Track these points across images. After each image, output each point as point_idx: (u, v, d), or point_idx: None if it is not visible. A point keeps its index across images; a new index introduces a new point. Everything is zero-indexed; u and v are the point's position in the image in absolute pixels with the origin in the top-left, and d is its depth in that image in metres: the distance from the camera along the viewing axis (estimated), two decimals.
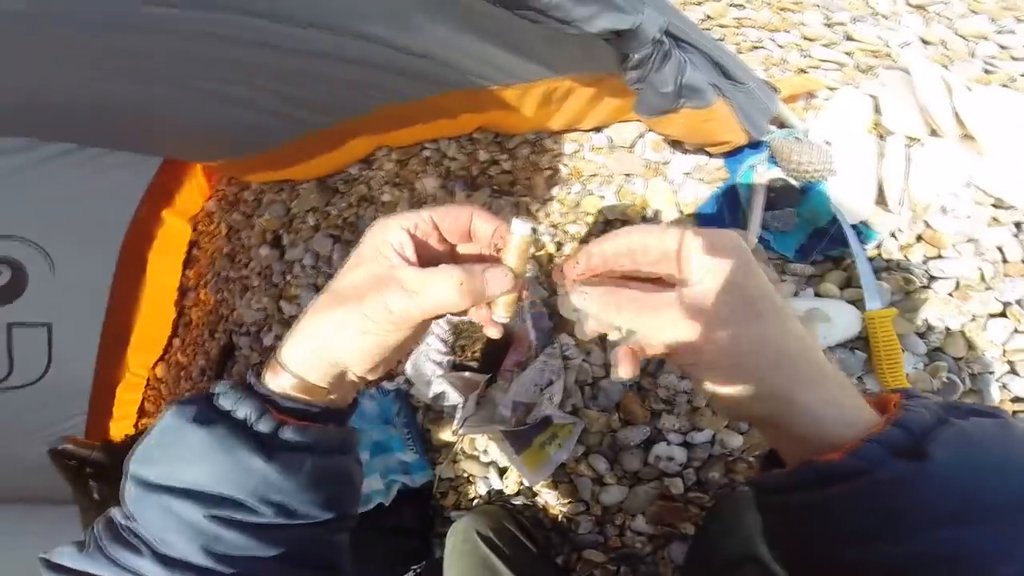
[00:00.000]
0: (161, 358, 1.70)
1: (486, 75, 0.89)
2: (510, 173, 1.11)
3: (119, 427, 1.66)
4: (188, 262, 1.70)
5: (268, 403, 0.35)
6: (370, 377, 0.38)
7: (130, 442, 1.39)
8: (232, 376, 1.49)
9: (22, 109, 1.06)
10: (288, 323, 1.36)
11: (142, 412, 1.72)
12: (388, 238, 0.35)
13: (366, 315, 0.34)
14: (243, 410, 0.34)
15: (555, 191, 1.06)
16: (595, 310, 0.35)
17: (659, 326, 0.33)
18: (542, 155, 1.08)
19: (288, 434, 0.35)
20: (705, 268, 0.32)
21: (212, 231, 1.64)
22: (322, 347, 0.35)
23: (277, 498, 0.34)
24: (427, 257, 0.37)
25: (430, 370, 1.04)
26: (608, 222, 1.01)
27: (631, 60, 0.66)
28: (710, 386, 0.33)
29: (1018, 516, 0.25)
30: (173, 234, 1.63)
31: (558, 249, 1.05)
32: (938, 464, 0.25)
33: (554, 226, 1.06)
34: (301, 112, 1.05)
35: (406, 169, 1.22)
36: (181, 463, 0.33)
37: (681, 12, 0.67)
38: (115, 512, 0.35)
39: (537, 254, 1.06)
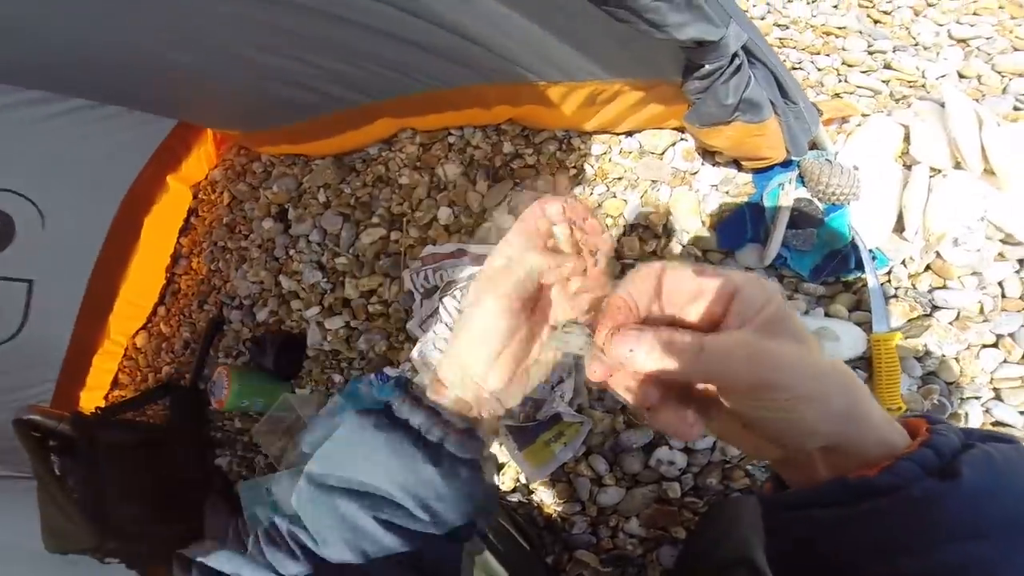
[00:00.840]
0: (143, 327, 1.65)
1: (538, 70, 0.89)
2: (533, 168, 1.12)
3: (90, 397, 1.60)
4: (184, 230, 1.65)
5: (435, 414, 0.39)
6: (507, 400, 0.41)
7: (100, 416, 1.33)
8: (219, 350, 1.45)
9: (47, 64, 1.03)
10: (285, 298, 1.34)
11: (116, 384, 1.66)
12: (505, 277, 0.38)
13: (475, 323, 0.38)
14: (417, 419, 0.38)
15: (578, 190, 1.07)
16: (652, 362, 0.31)
17: (736, 371, 0.30)
18: (569, 153, 1.08)
19: (452, 445, 0.38)
20: (761, 304, 0.31)
21: (214, 200, 1.60)
22: (459, 369, 0.39)
23: (435, 505, 0.37)
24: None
25: (436, 358, 1.02)
26: (630, 226, 1.02)
27: (702, 70, 0.67)
28: (787, 424, 0.31)
29: None
30: (173, 200, 1.59)
31: None
32: (967, 484, 0.27)
33: None
34: (339, 89, 1.04)
35: (428, 153, 1.21)
36: (360, 464, 0.37)
37: (755, 27, 0.68)
38: (278, 519, 0.40)
39: None
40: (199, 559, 0.37)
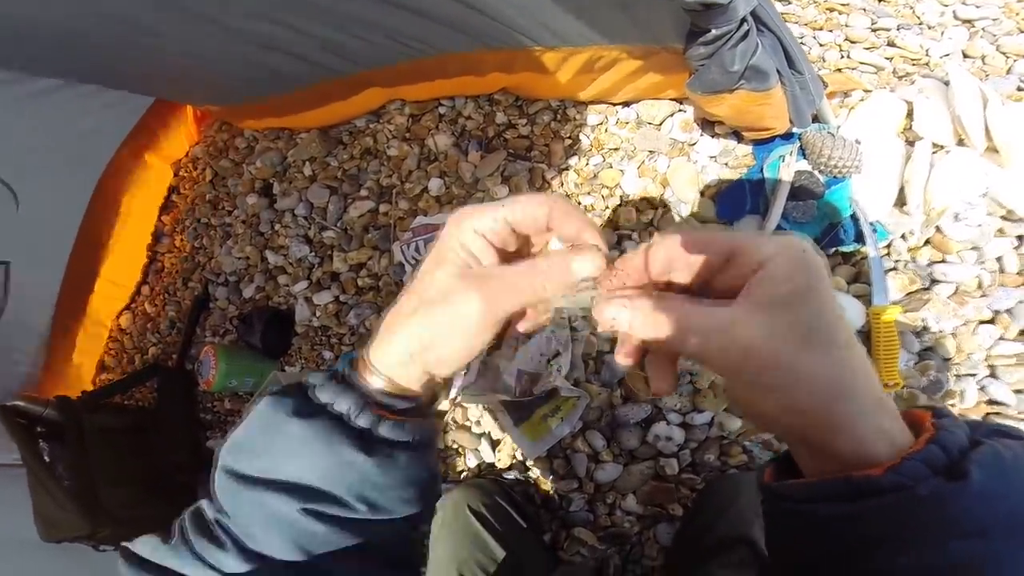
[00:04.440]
0: (127, 307, 1.60)
1: (535, 35, 0.85)
2: (527, 138, 1.08)
3: (75, 382, 1.56)
4: (165, 208, 1.60)
5: (365, 397, 0.35)
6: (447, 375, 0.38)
7: (87, 400, 1.30)
8: (206, 329, 1.41)
9: (16, 42, 0.97)
10: (272, 273, 1.31)
11: (101, 367, 1.62)
12: (464, 240, 0.34)
13: (459, 316, 0.33)
14: (343, 404, 0.34)
15: (573, 161, 1.04)
16: (638, 327, 0.32)
17: (710, 348, 0.30)
18: (564, 123, 1.05)
19: (386, 429, 0.34)
20: (780, 282, 0.29)
21: (195, 177, 1.54)
22: (418, 351, 0.34)
23: (371, 494, 0.34)
24: (504, 253, 0.36)
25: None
26: (625, 198, 1.00)
27: (708, 35, 0.64)
28: (764, 411, 0.31)
29: None
30: (153, 177, 1.53)
31: None
32: (976, 483, 0.26)
33: (568, 195, 1.04)
34: (327, 57, 1.00)
35: (418, 124, 1.17)
36: (281, 457, 0.33)
37: None
38: (205, 505, 0.35)
39: None
40: (123, 543, 0.34)
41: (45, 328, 1.44)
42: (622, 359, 0.36)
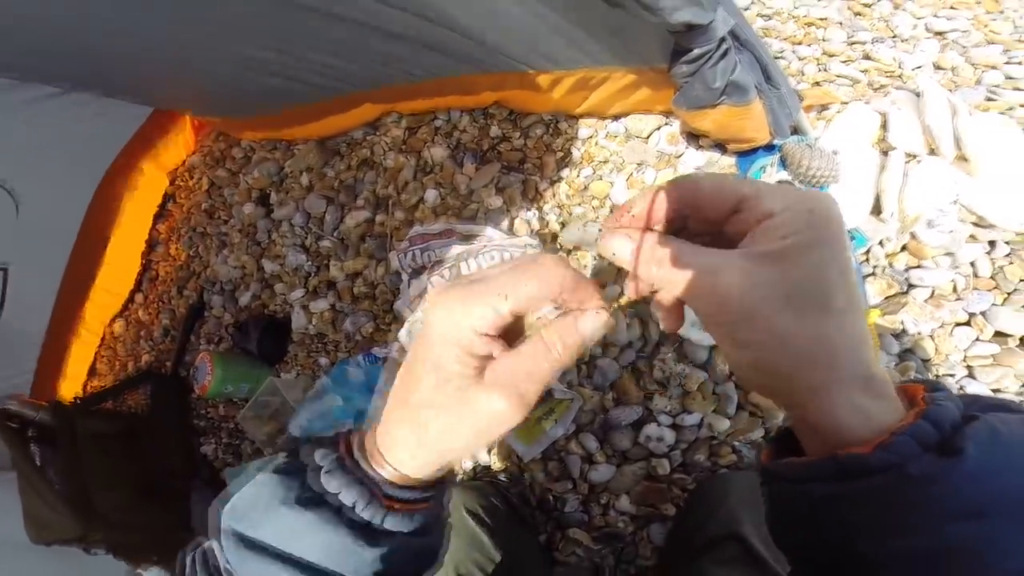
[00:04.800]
0: (120, 314, 1.61)
1: (528, 60, 0.89)
2: (521, 151, 1.12)
3: (68, 387, 1.57)
4: (160, 216, 1.61)
5: (373, 488, 0.33)
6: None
7: (80, 405, 1.30)
8: (200, 336, 1.42)
9: (20, 51, 0.99)
10: (268, 282, 1.32)
11: (92, 372, 1.62)
12: (463, 341, 0.30)
13: (485, 418, 0.31)
14: (348, 496, 0.32)
15: (564, 172, 1.08)
16: (636, 262, 0.32)
17: (694, 290, 0.30)
18: (556, 137, 1.09)
19: (392, 523, 0.33)
20: (776, 237, 0.28)
21: (191, 186, 1.56)
22: (434, 457, 0.33)
23: (377, 570, 0.33)
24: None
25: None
26: (615, 209, 1.03)
27: (691, 54, 0.68)
28: (739, 365, 0.31)
29: None
30: (149, 185, 1.55)
31: (562, 228, 1.06)
32: (970, 460, 0.25)
33: (560, 206, 1.07)
34: (324, 80, 1.03)
35: (414, 137, 1.20)
36: (283, 534, 0.32)
37: (742, 13, 0.70)
38: (214, 549, 0.34)
39: (541, 232, 1.07)
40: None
41: (40, 333, 1.44)
42: (631, 293, 0.35)
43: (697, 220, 0.33)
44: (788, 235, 0.28)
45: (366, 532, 0.32)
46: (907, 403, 0.29)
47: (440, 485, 0.36)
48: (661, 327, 0.37)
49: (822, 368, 0.28)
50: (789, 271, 0.28)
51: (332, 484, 0.32)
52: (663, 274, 0.31)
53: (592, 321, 0.31)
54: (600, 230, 0.36)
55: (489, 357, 0.31)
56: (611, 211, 0.33)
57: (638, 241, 0.32)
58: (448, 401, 0.31)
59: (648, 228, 0.33)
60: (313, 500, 0.32)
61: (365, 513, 0.32)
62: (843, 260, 0.28)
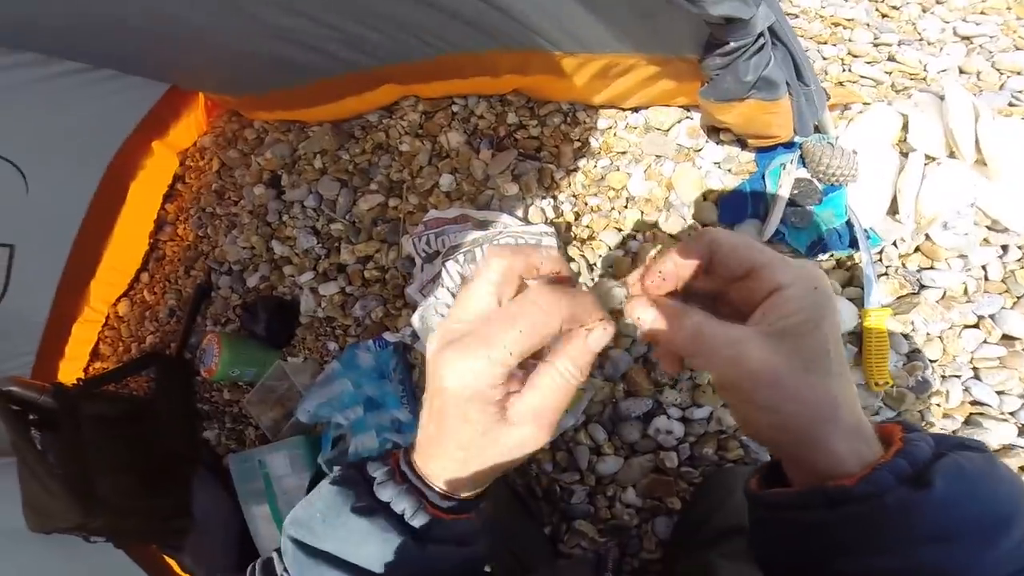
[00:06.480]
0: (125, 294, 1.60)
1: (555, 39, 0.88)
2: (537, 139, 1.12)
3: (70, 368, 1.55)
4: (169, 196, 1.60)
5: (421, 498, 0.36)
6: None
7: (83, 387, 1.28)
8: (207, 318, 1.42)
9: (40, 25, 0.98)
10: (277, 264, 1.32)
11: (96, 354, 1.61)
12: (483, 392, 0.32)
13: (516, 447, 0.34)
14: (400, 505, 0.36)
15: (581, 162, 1.07)
16: (659, 330, 0.35)
17: (717, 361, 0.33)
18: (574, 126, 1.09)
19: (440, 530, 0.36)
20: (792, 311, 0.33)
21: (202, 167, 1.55)
22: (469, 480, 0.36)
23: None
24: None
25: (438, 324, 1.02)
26: (631, 200, 1.03)
27: (726, 47, 0.68)
28: (757, 423, 0.35)
29: (992, 535, 0.29)
30: (159, 165, 1.54)
31: (576, 219, 1.06)
32: (939, 492, 0.29)
33: (575, 196, 1.07)
34: (348, 52, 1.02)
35: (431, 121, 1.20)
36: (342, 543, 0.35)
37: (781, 9, 0.70)
38: (276, 559, 0.38)
39: (556, 221, 1.07)
40: None
41: (43, 313, 1.43)
42: (641, 337, 0.40)
43: (704, 278, 0.37)
44: (799, 311, 0.32)
45: (416, 539, 0.35)
46: (885, 441, 0.33)
47: (481, 498, 0.39)
48: (666, 370, 0.41)
49: (830, 421, 0.32)
50: (806, 342, 0.32)
51: (385, 494, 0.36)
52: (693, 348, 0.34)
53: (600, 337, 0.34)
54: (625, 291, 0.38)
55: (509, 392, 0.33)
56: (638, 268, 0.36)
57: (664, 311, 0.35)
58: (482, 442, 0.34)
59: (673, 293, 0.37)
60: (367, 509, 0.35)
61: (415, 520, 0.35)
62: (838, 330, 0.34)
